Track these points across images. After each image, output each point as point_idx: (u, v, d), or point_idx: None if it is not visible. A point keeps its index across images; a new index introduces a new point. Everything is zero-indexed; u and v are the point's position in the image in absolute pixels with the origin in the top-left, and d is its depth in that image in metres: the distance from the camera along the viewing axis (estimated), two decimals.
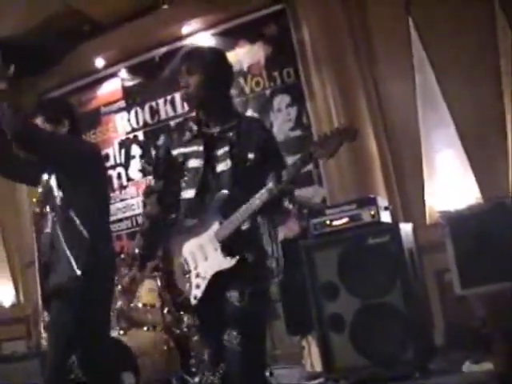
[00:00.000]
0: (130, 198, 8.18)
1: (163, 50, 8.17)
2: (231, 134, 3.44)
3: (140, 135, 8.34)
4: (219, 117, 3.51)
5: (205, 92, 3.45)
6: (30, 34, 8.02)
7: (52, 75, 8.77)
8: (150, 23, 7.95)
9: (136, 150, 8.36)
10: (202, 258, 3.37)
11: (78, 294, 3.78)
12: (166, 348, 6.23)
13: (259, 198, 3.19)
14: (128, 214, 8.08)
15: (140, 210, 8.08)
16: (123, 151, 8.44)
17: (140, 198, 8.11)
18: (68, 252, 3.80)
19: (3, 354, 8.39)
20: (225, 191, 3.35)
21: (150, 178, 5.60)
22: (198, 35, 7.97)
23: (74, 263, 3.76)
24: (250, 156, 3.37)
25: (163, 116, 8.14)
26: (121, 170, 8.36)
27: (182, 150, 3.57)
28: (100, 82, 8.66)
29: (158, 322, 6.42)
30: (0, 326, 8.73)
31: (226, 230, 3.29)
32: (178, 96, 7.97)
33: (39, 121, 4.09)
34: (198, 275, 3.36)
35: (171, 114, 8.08)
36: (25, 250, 8.53)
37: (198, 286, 3.34)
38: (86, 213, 3.91)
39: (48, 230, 4.01)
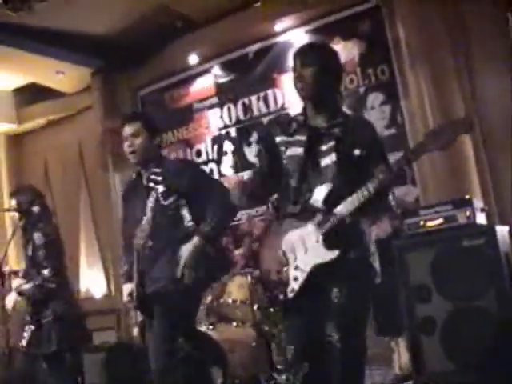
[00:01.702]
0: None
1: (256, 46, 8.19)
2: (338, 129, 3.41)
3: (232, 132, 8.37)
4: (327, 112, 3.50)
5: (318, 84, 3.45)
6: (125, 31, 8.18)
7: (146, 71, 8.92)
8: (243, 20, 7.99)
9: (228, 146, 8.39)
10: (302, 250, 3.32)
11: (177, 298, 4.13)
12: (254, 344, 6.24)
13: (367, 189, 3.17)
14: None
15: None
16: (215, 147, 8.50)
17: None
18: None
19: (94, 344, 8.57)
20: (328, 184, 3.31)
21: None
22: (292, 32, 7.95)
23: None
24: (356, 152, 3.35)
25: (256, 113, 8.15)
26: (213, 165, 8.42)
27: (285, 138, 3.54)
28: (193, 78, 8.74)
29: (248, 318, 6.44)
30: (91, 317, 8.89)
31: (329, 221, 3.25)
32: (270, 93, 8.03)
33: (138, 125, 4.42)
34: (296, 267, 3.32)
35: (264, 110, 8.09)
36: (116, 243, 8.70)
37: (295, 279, 3.30)
38: None
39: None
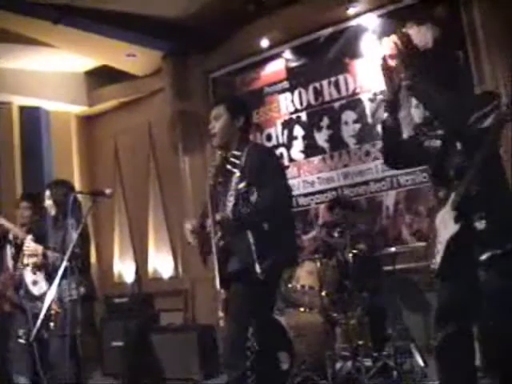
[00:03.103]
0: (290, 179, 8.01)
1: (328, 30, 8.08)
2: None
3: (303, 116, 8.30)
4: None
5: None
6: (197, 14, 8.19)
7: (217, 54, 8.92)
8: (316, 4, 7.91)
9: (299, 131, 8.32)
10: (443, 226, 3.68)
11: (256, 278, 4.06)
12: (321, 330, 6.24)
13: (476, 158, 3.45)
14: None
15: (301, 191, 8.17)
16: (286, 132, 8.44)
17: (301, 179, 8.17)
18: (253, 247, 4.06)
19: (161, 325, 8.68)
20: (460, 164, 3.60)
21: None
22: (364, 16, 7.83)
23: (257, 268, 4.04)
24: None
25: (327, 98, 8.05)
26: (283, 150, 8.36)
27: (424, 129, 4.01)
28: (264, 62, 8.70)
29: (315, 304, 6.43)
30: (158, 297, 9.00)
31: (456, 197, 3.58)
32: (342, 78, 7.94)
33: (221, 108, 4.45)
34: (439, 242, 3.69)
35: (335, 95, 7.98)
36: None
37: (438, 252, 3.68)
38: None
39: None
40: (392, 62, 3.90)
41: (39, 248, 5.86)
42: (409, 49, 3.83)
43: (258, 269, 3.99)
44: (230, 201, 4.17)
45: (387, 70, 3.83)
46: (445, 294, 3.74)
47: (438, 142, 3.76)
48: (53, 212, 5.98)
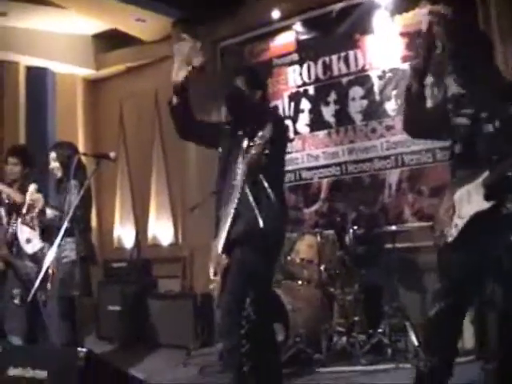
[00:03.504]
0: (295, 152, 8.11)
1: (340, 5, 7.98)
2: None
3: (310, 90, 8.22)
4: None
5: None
6: None
7: (227, 24, 8.84)
8: None
9: (305, 104, 8.24)
10: (467, 201, 3.67)
11: (260, 240, 4.07)
12: (318, 305, 6.26)
13: None
14: (291, 167, 7.98)
15: (305, 165, 8.11)
16: (292, 104, 8.38)
17: (305, 152, 8.15)
18: (256, 210, 4.03)
19: (158, 292, 8.70)
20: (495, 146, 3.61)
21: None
22: None
23: (260, 219, 3.99)
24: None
25: (335, 72, 7.97)
26: (289, 122, 8.25)
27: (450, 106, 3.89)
28: (274, 33, 8.61)
29: (313, 278, 6.44)
30: (157, 264, 9.02)
31: (492, 176, 3.55)
32: (352, 53, 7.86)
33: (240, 80, 4.42)
34: (459, 216, 3.69)
35: (344, 71, 7.90)
36: (188, 194, 8.78)
37: (456, 226, 3.69)
38: (275, 178, 4.22)
39: (234, 182, 4.19)
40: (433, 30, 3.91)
41: (41, 199, 5.84)
42: (446, 22, 3.79)
43: (261, 223, 3.98)
44: (239, 168, 4.15)
45: (429, 36, 3.85)
46: (452, 266, 3.76)
47: (466, 121, 3.73)
48: (59, 174, 5.96)
